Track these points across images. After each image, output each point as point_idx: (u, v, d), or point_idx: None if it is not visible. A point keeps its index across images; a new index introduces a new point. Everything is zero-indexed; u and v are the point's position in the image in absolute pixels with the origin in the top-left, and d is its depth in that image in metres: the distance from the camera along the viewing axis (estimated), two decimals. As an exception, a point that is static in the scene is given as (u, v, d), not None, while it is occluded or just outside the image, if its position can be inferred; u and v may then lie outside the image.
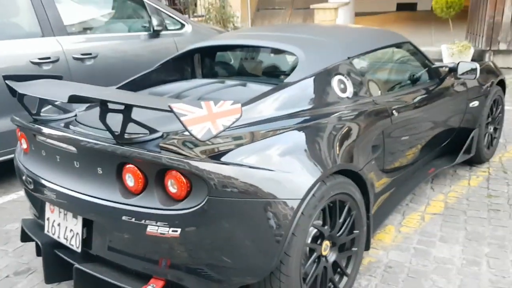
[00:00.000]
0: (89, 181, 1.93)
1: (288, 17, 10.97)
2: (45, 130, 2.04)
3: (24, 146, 2.30)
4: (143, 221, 1.76)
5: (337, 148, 2.12)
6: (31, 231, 2.33)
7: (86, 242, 2.02)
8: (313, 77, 2.39)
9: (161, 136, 1.85)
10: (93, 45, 4.27)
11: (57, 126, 2.06)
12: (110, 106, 1.76)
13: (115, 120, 1.77)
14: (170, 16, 4.96)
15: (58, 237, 2.12)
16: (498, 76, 3.87)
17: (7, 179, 3.93)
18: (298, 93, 2.29)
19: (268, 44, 2.75)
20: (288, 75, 2.51)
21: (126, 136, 1.81)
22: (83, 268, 1.98)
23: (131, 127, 1.81)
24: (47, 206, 2.18)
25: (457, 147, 3.59)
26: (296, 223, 1.87)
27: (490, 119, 3.90)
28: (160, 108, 1.64)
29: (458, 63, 3.21)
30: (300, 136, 2.04)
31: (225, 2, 10.22)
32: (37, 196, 2.19)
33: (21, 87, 2.09)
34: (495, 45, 7.45)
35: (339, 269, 2.26)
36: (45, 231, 2.21)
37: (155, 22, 4.62)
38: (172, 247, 1.77)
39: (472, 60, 7.73)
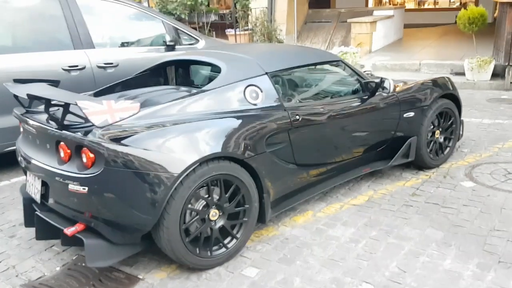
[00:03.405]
0: (43, 153, 2.84)
1: (332, 30, 11.54)
2: (25, 119, 2.97)
3: (21, 130, 3.26)
4: (67, 181, 2.61)
5: (222, 139, 2.83)
6: (22, 192, 3.29)
7: (44, 196, 2.91)
8: (226, 86, 3.12)
9: (93, 125, 2.68)
10: (114, 56, 5.26)
11: (31, 116, 2.98)
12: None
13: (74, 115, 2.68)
14: (186, 33, 5.88)
15: (31, 193, 3.05)
16: (444, 90, 4.31)
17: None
18: (209, 97, 3.03)
19: (204, 59, 3.52)
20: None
21: (66, 123, 2.68)
22: (40, 214, 2.88)
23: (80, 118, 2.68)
24: (28, 172, 3.11)
25: (396, 151, 4.10)
26: (174, 190, 2.62)
27: (438, 129, 4.35)
28: (71, 103, 2.49)
29: (381, 79, 3.76)
30: (190, 128, 2.77)
31: (271, 16, 11.04)
32: (23, 166, 3.13)
33: (13, 88, 3.04)
34: (513, 61, 7.58)
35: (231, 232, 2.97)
36: (26, 190, 3.15)
37: (167, 38, 5.55)
38: (84, 200, 2.60)
39: (494, 74, 7.92)
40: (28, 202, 3.14)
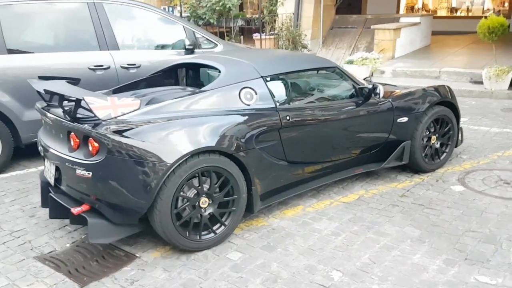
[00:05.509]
0: (57, 142, 3.24)
1: (358, 36, 11.70)
2: (44, 112, 3.38)
3: (43, 122, 3.68)
4: (75, 166, 3.00)
5: (213, 135, 3.15)
6: (40, 177, 3.70)
7: (58, 180, 3.30)
8: (223, 88, 3.45)
9: (98, 118, 3.04)
10: (137, 58, 5.67)
11: (50, 110, 3.38)
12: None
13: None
14: (205, 37, 6.25)
15: (47, 177, 3.45)
16: (441, 98, 4.49)
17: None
18: (206, 97, 3.37)
19: (208, 63, 3.86)
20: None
21: (76, 116, 3.06)
22: (53, 196, 3.28)
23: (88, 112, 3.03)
24: (45, 158, 3.52)
25: (391, 154, 4.32)
26: (167, 178, 2.96)
27: (434, 135, 4.53)
28: (79, 98, 2.87)
29: (373, 85, 3.99)
30: (184, 124, 3.11)
31: (297, 22, 11.30)
32: (42, 154, 3.55)
33: (35, 84, 3.45)
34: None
35: (220, 219, 3.29)
36: (44, 175, 3.56)
37: (187, 42, 5.92)
38: (89, 183, 2.98)
39: (512, 84, 7.95)
40: (45, 185, 3.56)
